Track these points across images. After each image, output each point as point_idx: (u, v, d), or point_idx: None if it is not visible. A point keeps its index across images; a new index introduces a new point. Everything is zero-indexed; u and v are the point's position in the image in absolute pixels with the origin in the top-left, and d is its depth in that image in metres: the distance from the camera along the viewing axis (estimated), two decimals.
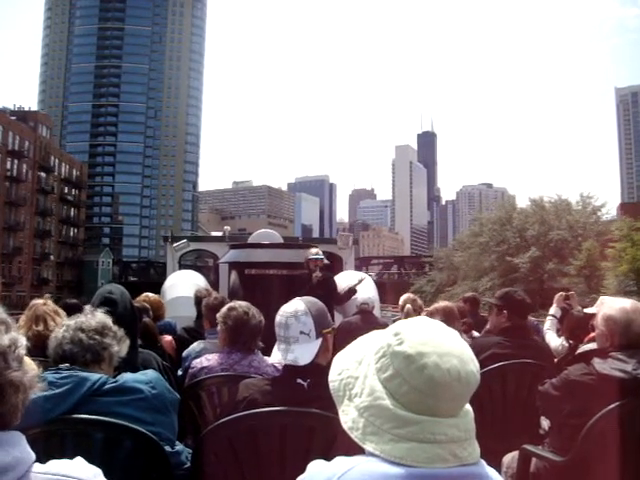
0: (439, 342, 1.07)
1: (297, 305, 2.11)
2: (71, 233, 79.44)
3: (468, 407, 1.09)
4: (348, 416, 1.10)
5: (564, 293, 4.68)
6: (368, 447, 1.04)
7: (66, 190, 77.19)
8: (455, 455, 1.03)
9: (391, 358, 1.07)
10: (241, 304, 3.02)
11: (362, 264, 73.46)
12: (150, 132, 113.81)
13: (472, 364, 1.07)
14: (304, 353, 2.04)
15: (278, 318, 2.11)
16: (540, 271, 38.92)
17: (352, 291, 6.27)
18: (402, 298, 5.28)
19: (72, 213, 79.21)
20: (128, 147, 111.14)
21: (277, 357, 2.09)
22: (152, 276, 69.83)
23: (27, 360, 1.03)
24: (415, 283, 53.31)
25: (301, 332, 2.06)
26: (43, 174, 70.10)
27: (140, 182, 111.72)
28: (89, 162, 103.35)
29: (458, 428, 1.04)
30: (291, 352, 2.04)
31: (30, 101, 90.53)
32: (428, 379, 1.03)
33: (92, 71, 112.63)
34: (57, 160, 74.42)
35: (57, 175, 73.87)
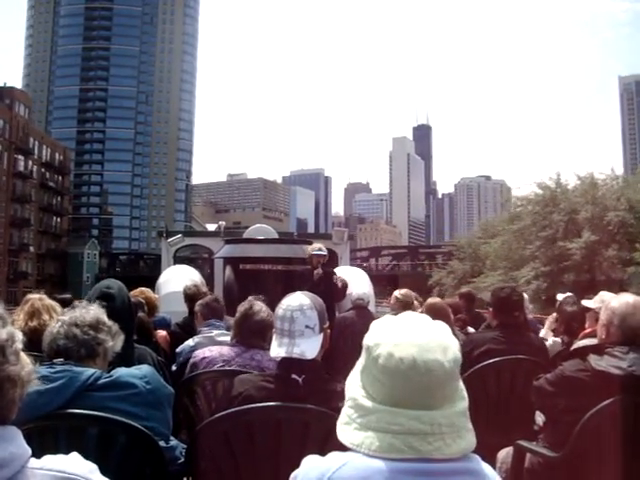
0: (400, 333, 1.10)
1: (302, 299, 2.09)
2: (53, 222, 73.86)
3: (456, 403, 1.09)
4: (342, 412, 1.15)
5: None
6: (339, 436, 1.08)
7: (47, 175, 71.48)
8: (412, 447, 1.03)
9: (364, 351, 1.14)
10: (254, 301, 3.02)
11: (372, 254, 67.95)
12: (141, 118, 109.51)
13: (440, 354, 1.06)
14: (310, 347, 2.02)
15: (281, 312, 2.07)
16: (598, 259, 32.40)
17: (345, 284, 6.30)
18: (400, 293, 5.29)
19: (54, 201, 73.47)
20: (117, 133, 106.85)
21: (279, 351, 2.04)
22: (142, 269, 67.38)
23: (22, 355, 1.04)
24: (433, 275, 48.81)
25: (307, 326, 2.03)
26: (21, 157, 64.65)
27: (130, 170, 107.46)
28: (76, 149, 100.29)
29: (420, 420, 1.04)
30: (297, 346, 2.01)
31: (13, 85, 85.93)
32: (382, 368, 1.06)
33: (79, 53, 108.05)
34: (37, 142, 69.04)
35: (37, 159, 68.52)
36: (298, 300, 2.08)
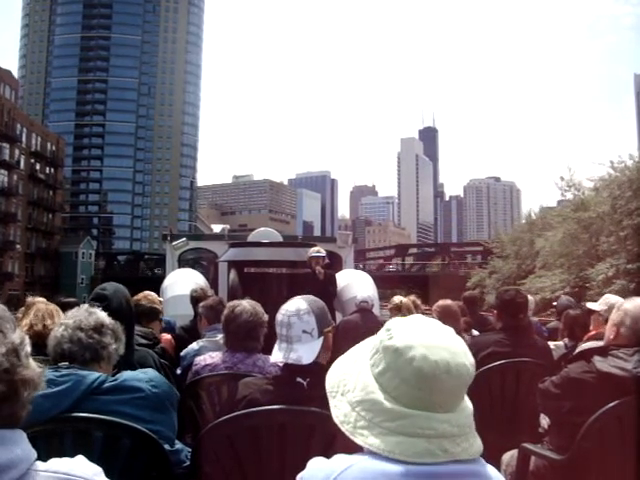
0: (428, 336, 1.11)
1: (299, 304, 2.12)
2: (44, 219, 66.17)
3: (467, 404, 1.13)
4: (340, 410, 1.14)
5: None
6: (358, 440, 1.08)
7: (38, 167, 64.28)
8: (445, 450, 1.05)
9: (383, 353, 1.11)
10: (238, 302, 3.01)
11: (399, 253, 60.91)
12: (143, 111, 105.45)
13: (465, 358, 1.10)
14: (307, 352, 2.06)
15: (280, 317, 2.12)
16: None
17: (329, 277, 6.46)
18: (396, 299, 5.48)
19: (45, 195, 66.01)
20: (118, 127, 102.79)
21: (278, 356, 2.09)
22: (142, 270, 63.51)
23: (31, 359, 1.08)
24: (473, 276, 42.78)
25: (304, 331, 2.07)
26: (5, 144, 57.21)
27: (132, 167, 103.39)
28: (74, 144, 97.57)
29: (450, 423, 1.06)
30: (294, 351, 2.05)
31: None
32: (416, 371, 1.06)
33: (78, 43, 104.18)
34: (25, 129, 61.97)
35: (25, 148, 61.24)
36: (295, 305, 2.11)
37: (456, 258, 58.97)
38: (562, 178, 31.03)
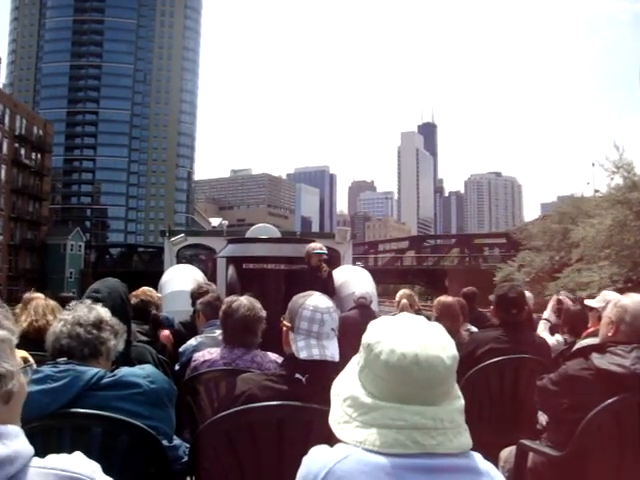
0: (401, 330, 1.15)
1: (327, 302, 2.13)
2: (30, 208, 62.86)
3: (454, 400, 1.15)
4: (332, 409, 1.21)
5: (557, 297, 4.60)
6: (339, 435, 1.14)
7: (22, 152, 60.67)
8: (416, 442, 1.07)
9: (362, 351, 1.18)
10: (235, 298, 3.05)
11: (414, 245, 56.24)
12: (138, 98, 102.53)
13: (441, 351, 1.12)
14: (335, 349, 2.08)
15: (308, 313, 2.07)
16: None
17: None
18: (398, 294, 5.54)
19: (32, 182, 62.58)
20: (112, 115, 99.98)
21: (307, 352, 2.05)
22: (136, 264, 59.96)
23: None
24: (499, 269, 37.80)
25: (332, 329, 2.08)
26: None
27: (126, 156, 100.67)
28: (67, 132, 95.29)
29: (423, 415, 1.08)
30: (327, 349, 2.05)
31: None
32: (384, 364, 1.10)
33: (70, 26, 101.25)
34: (9, 111, 58.00)
35: (8, 130, 57.61)
36: (324, 302, 2.11)
37: (474, 251, 55.47)
38: (593, 164, 26.78)
